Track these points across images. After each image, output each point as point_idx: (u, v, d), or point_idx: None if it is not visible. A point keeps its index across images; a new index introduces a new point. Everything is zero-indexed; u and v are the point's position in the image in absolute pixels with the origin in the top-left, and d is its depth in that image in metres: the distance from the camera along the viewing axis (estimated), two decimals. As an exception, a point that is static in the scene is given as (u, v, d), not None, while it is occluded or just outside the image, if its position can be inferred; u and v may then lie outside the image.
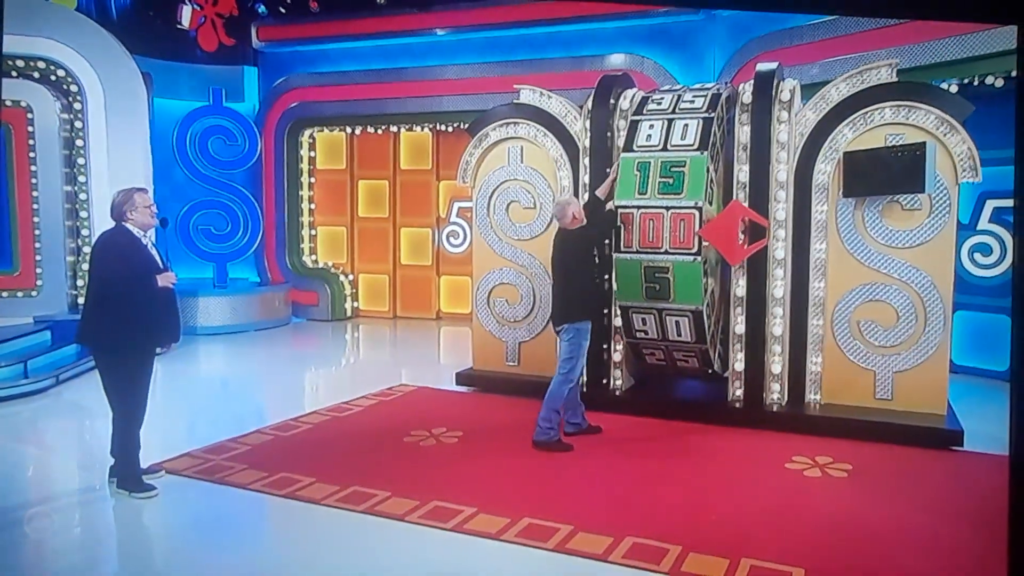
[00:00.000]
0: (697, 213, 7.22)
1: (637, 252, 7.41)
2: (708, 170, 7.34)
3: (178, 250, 12.56)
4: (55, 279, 11.16)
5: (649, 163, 7.48)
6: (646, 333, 7.66)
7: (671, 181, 7.35)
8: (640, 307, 7.55)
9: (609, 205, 7.54)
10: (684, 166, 7.36)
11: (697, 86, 8.19)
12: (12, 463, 6.82)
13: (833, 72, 8.61)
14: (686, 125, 7.54)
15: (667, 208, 7.32)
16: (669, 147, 7.48)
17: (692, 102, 7.73)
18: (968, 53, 8.61)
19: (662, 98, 7.96)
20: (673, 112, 7.70)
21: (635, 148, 7.62)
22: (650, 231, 7.35)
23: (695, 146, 7.40)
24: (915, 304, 7.17)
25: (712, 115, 7.51)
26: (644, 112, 7.84)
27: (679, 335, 7.52)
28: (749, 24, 11.16)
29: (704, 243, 7.30)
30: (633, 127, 7.77)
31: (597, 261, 7.40)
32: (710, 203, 7.46)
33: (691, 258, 7.25)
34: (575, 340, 6.82)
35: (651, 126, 7.67)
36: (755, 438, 7.14)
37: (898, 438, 6.88)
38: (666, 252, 7.31)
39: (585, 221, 7.03)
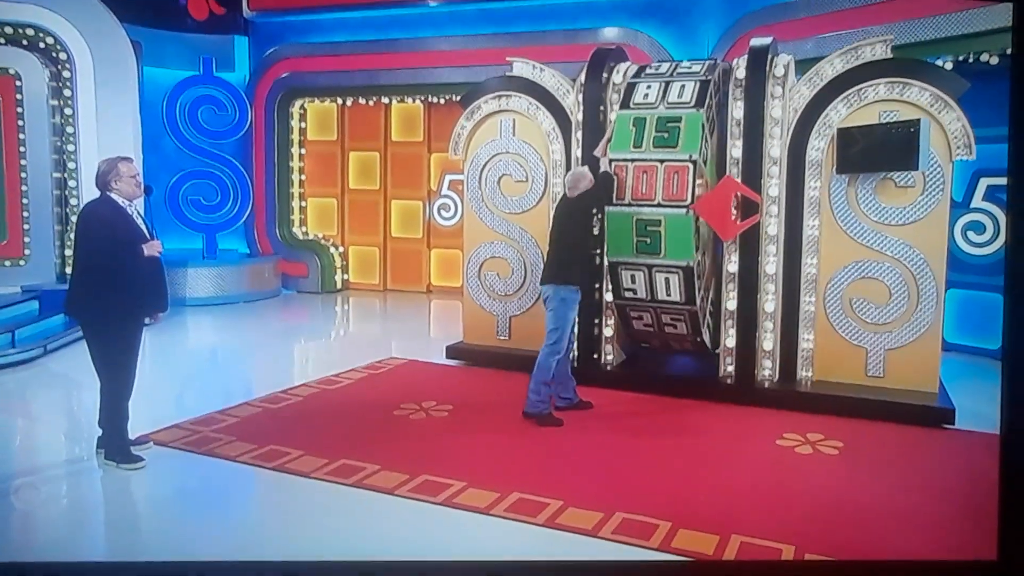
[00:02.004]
0: (691, 166, 7.21)
1: (629, 205, 7.39)
2: (703, 127, 7.33)
3: (167, 221, 12.45)
4: (43, 248, 11.05)
5: (645, 119, 7.47)
6: (635, 292, 7.62)
7: (666, 135, 7.34)
8: (630, 263, 7.51)
9: (604, 165, 7.47)
10: (680, 121, 7.35)
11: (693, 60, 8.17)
12: (-1, 433, 6.78)
13: (828, 48, 8.54)
14: (683, 86, 7.55)
15: (661, 161, 7.31)
16: (666, 104, 7.49)
17: (689, 67, 7.78)
18: (963, 30, 8.55)
19: (659, 65, 8.03)
20: (671, 76, 7.72)
21: (631, 105, 7.62)
22: (643, 184, 7.34)
23: (691, 104, 7.40)
24: (908, 282, 7.15)
25: (709, 78, 7.51)
26: (642, 76, 7.87)
27: (668, 294, 7.48)
28: (743, -1, 11.09)
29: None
30: (630, 88, 7.76)
31: (596, 232, 7.37)
32: (704, 163, 7.44)
33: (683, 211, 7.23)
34: (559, 310, 6.74)
35: (648, 87, 7.68)
36: (746, 414, 7.14)
37: (889, 415, 6.88)
38: (659, 205, 7.29)
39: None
